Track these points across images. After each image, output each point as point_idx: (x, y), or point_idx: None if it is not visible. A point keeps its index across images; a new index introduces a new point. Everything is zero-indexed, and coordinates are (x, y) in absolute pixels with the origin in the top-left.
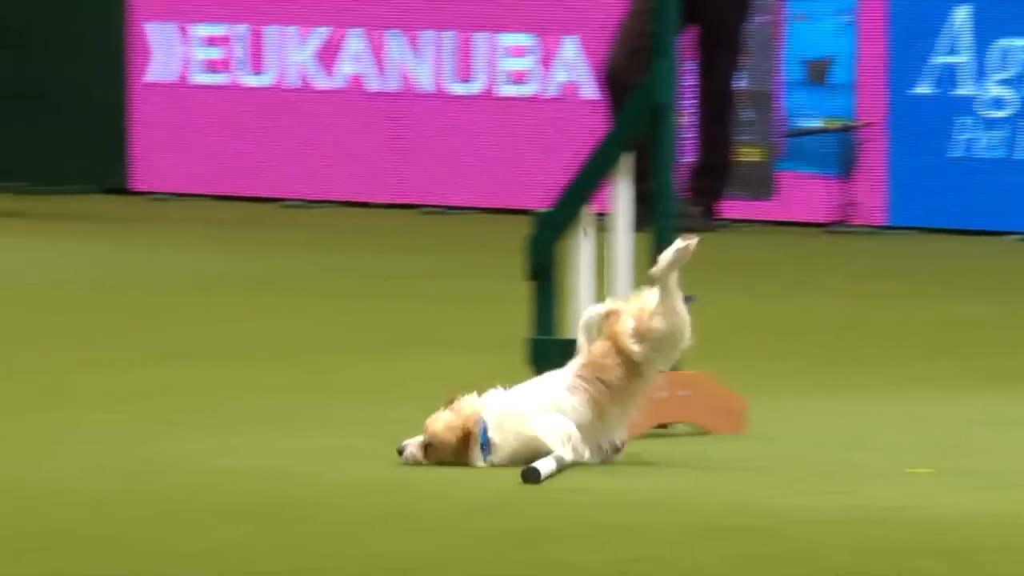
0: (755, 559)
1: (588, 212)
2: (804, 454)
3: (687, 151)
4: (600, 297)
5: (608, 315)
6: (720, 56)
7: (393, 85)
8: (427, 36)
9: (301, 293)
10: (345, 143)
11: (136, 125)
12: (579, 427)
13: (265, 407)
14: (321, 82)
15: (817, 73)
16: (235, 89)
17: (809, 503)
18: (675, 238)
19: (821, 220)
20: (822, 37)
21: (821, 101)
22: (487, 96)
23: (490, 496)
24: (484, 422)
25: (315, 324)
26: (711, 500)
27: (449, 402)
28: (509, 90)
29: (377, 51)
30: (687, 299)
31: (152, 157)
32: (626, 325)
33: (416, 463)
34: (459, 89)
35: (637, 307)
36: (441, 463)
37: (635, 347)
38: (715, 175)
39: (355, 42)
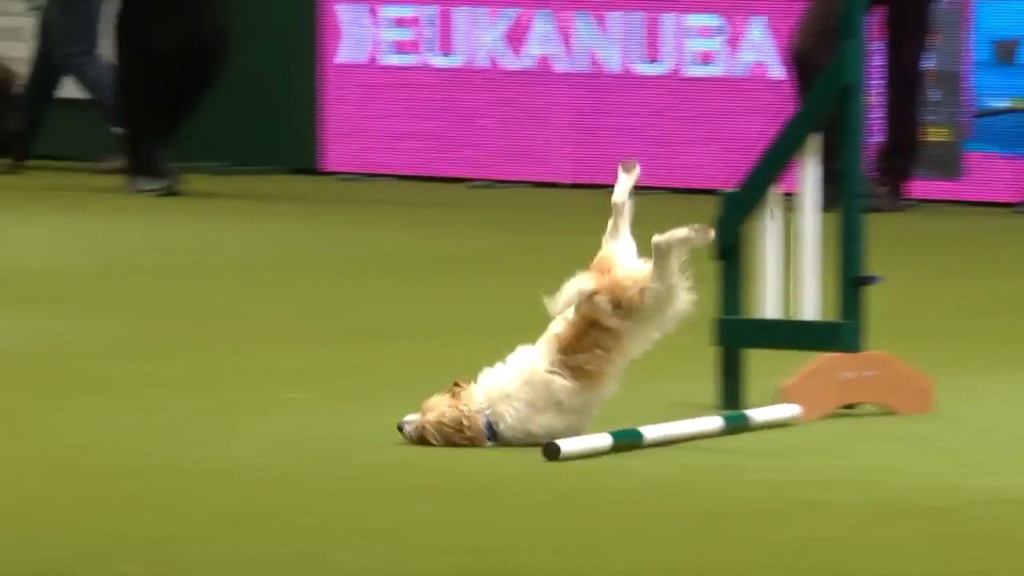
0: (942, 538)
1: (776, 192)
2: (991, 434)
3: (875, 131)
4: (786, 278)
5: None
6: (908, 36)
7: (581, 66)
8: (615, 17)
9: (488, 272)
10: (532, 124)
11: (326, 106)
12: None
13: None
14: (509, 63)
15: (1006, 53)
16: (424, 70)
17: (996, 483)
18: (863, 218)
19: (1009, 200)
20: (1011, 17)
21: (1009, 81)
22: (674, 76)
23: (676, 474)
24: (486, 414)
25: (502, 303)
26: (898, 479)
27: (452, 388)
28: (696, 71)
29: (565, 32)
30: (871, 279)
31: (342, 138)
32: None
33: (419, 442)
34: (646, 69)
35: (615, 279)
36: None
37: (614, 321)
38: (903, 155)
39: (543, 23)
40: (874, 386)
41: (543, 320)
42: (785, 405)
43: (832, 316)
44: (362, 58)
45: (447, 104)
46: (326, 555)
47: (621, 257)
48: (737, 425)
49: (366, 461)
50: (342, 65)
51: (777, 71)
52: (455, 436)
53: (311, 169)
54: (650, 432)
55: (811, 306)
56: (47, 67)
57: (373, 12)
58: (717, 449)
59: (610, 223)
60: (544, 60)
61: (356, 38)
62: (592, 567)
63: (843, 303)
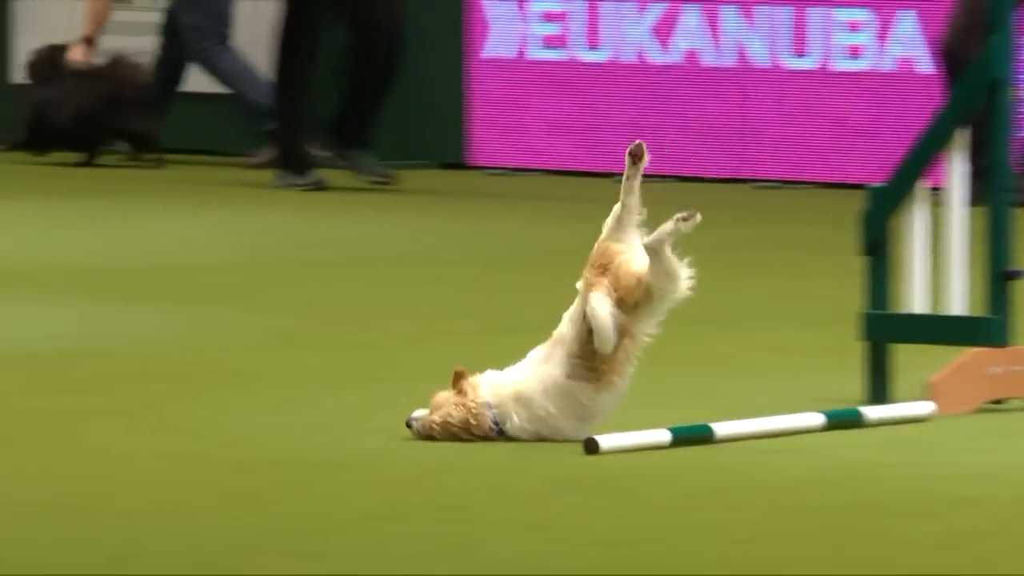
0: None
1: (923, 187)
2: None
3: (1022, 126)
4: (934, 273)
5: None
6: None
7: (728, 60)
8: (763, 11)
9: None
10: (679, 118)
11: (474, 101)
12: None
13: None
14: (657, 57)
15: None
16: (572, 64)
17: None
18: (1010, 213)
19: None
20: None
21: None
22: (822, 71)
23: (821, 469)
24: (493, 412)
25: None
26: None
27: (456, 380)
28: (844, 65)
29: (713, 26)
30: (1019, 274)
31: (489, 132)
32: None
33: (428, 438)
34: (794, 63)
35: (617, 277)
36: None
37: (621, 318)
38: None
39: (691, 17)
40: (1022, 381)
41: (690, 313)
42: (918, 403)
43: (980, 311)
44: (510, 53)
45: (594, 99)
46: (473, 548)
47: (626, 254)
48: (845, 422)
49: (511, 455)
50: (490, 60)
51: (926, 65)
52: (462, 435)
53: (459, 164)
54: (722, 428)
55: (959, 301)
56: (170, 62)
57: (521, 7)
58: (862, 445)
59: (613, 218)
60: (691, 54)
61: (504, 33)
62: (735, 561)
63: (991, 298)
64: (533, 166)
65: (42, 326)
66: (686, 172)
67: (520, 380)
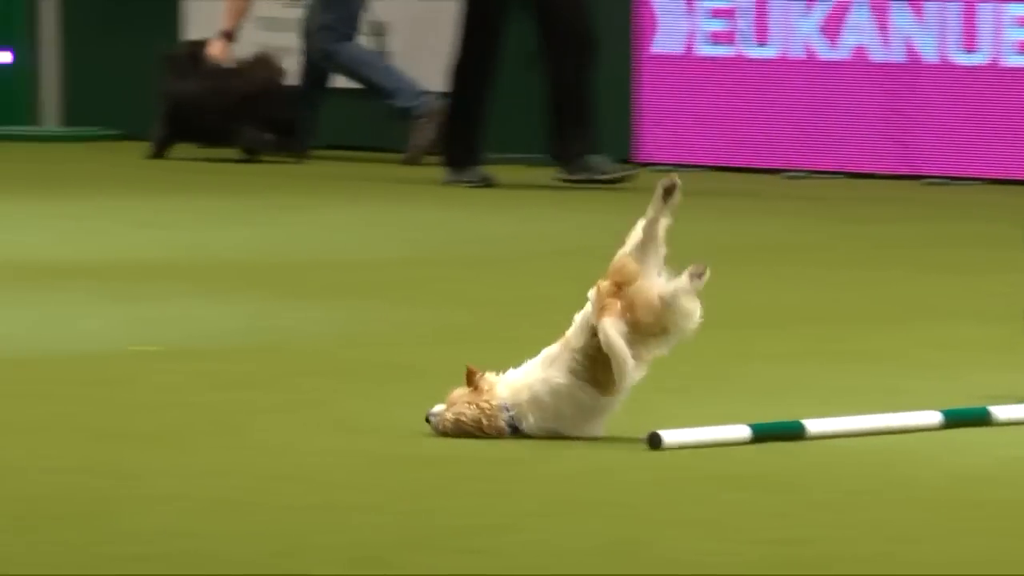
0: None
1: None
2: None
3: None
4: None
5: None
6: None
7: (897, 56)
8: (932, 7)
9: (805, 263)
10: (848, 114)
11: (642, 97)
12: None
13: (771, 375)
14: (825, 53)
15: None
16: (739, 61)
17: None
18: None
19: None
20: None
21: None
22: (992, 67)
23: (989, 465)
24: (510, 414)
25: (819, 293)
26: None
27: (470, 378)
28: (1015, 60)
29: (881, 21)
30: None
31: (657, 129)
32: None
33: (443, 434)
34: (964, 60)
35: (631, 303)
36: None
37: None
38: None
39: (860, 13)
40: None
41: (861, 310)
42: None
43: None
44: (678, 49)
45: (762, 95)
46: (643, 545)
47: (645, 281)
48: (966, 420)
49: (675, 453)
50: (658, 56)
51: None
52: (475, 432)
53: (625, 159)
54: (815, 426)
55: None
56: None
57: (689, 3)
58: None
59: (637, 238)
60: (860, 50)
61: (672, 29)
62: (901, 557)
63: None
64: (700, 162)
65: (209, 322)
66: (854, 168)
67: (533, 380)
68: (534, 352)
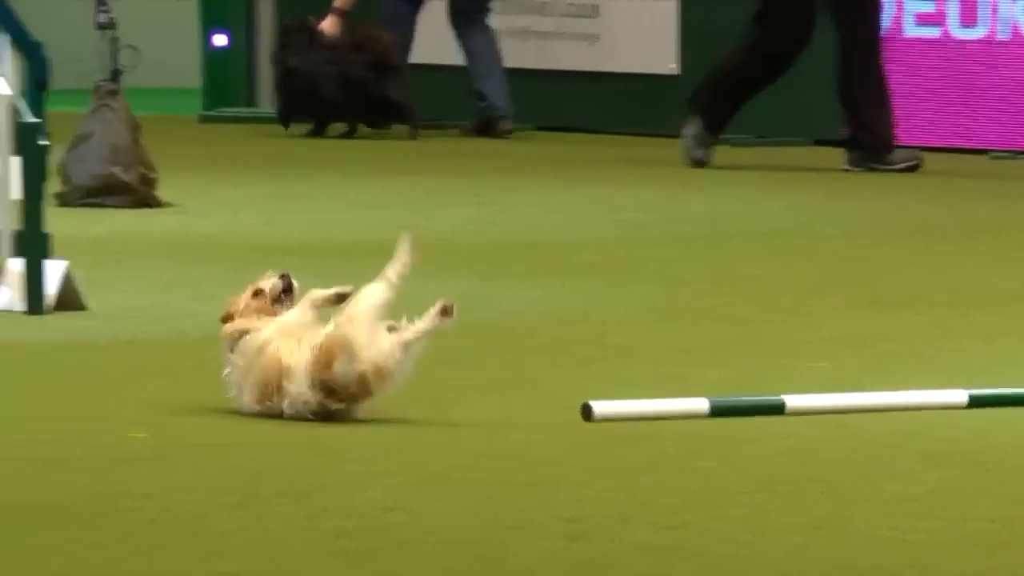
0: None
1: None
2: None
3: None
4: None
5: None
6: None
7: None
8: None
9: (1010, 244)
10: None
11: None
12: None
13: (977, 354)
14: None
15: None
16: (947, 42)
17: None
18: None
19: None
20: None
21: None
22: None
23: None
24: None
25: (1021, 272)
26: None
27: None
28: None
29: None
30: None
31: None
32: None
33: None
34: None
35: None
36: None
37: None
38: None
39: None
40: None
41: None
42: None
43: None
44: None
45: (968, 76)
46: (848, 521)
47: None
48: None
49: (879, 429)
50: None
51: None
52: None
53: (833, 140)
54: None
55: None
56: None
57: None
58: None
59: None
60: None
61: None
62: None
63: None
64: (907, 143)
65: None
66: None
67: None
68: (742, 330)
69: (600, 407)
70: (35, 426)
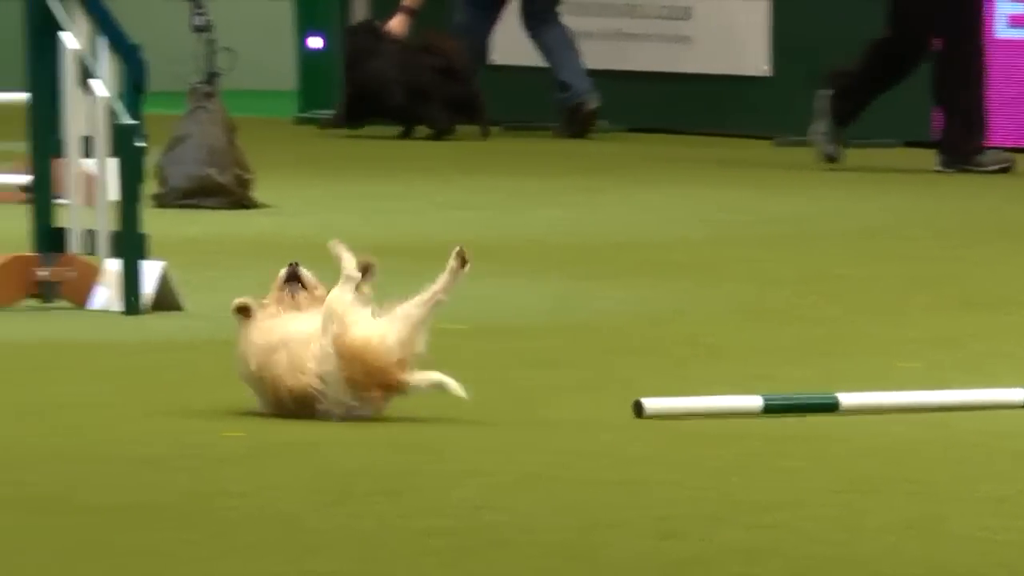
0: None
1: None
2: None
3: None
4: None
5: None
6: None
7: None
8: None
9: None
10: None
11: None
12: None
13: None
14: None
15: None
16: None
17: None
18: None
19: None
20: None
21: None
22: None
23: None
24: None
25: None
26: None
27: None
28: None
29: None
30: None
31: None
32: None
33: None
34: None
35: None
36: None
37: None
38: None
39: None
40: None
41: None
42: None
43: None
44: None
45: None
46: (941, 521)
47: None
48: None
49: (971, 428)
50: None
51: None
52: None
53: (924, 142)
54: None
55: None
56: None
57: None
58: None
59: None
60: None
61: None
62: None
63: None
64: (995, 143)
65: (515, 301)
66: None
67: None
68: (831, 330)
69: (651, 403)
70: (132, 425)
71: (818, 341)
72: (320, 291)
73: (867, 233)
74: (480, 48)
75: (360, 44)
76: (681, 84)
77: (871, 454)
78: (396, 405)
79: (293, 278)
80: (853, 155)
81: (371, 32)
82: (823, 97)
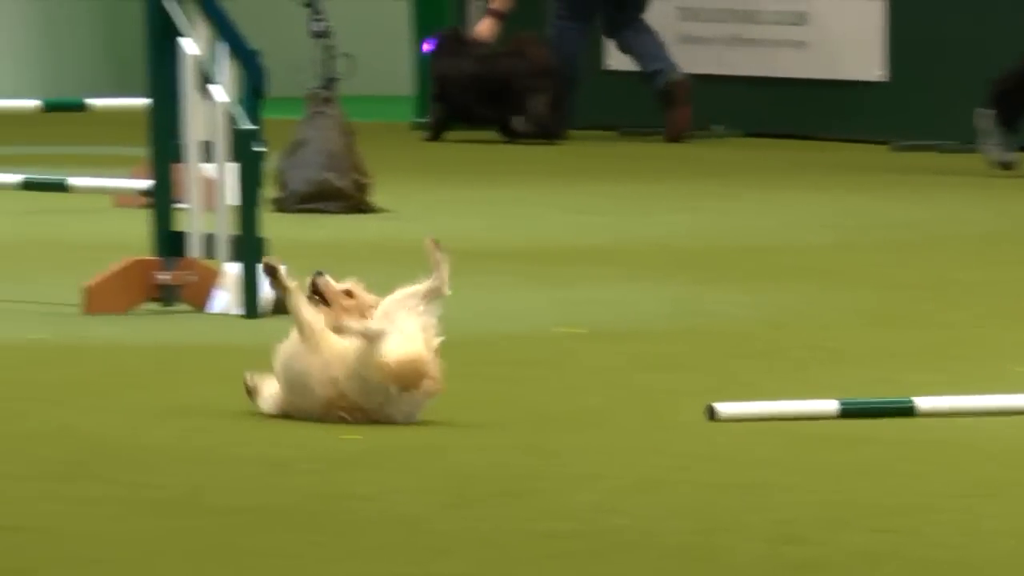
0: None
1: None
2: None
3: None
4: None
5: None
6: None
7: None
8: None
9: None
10: None
11: None
12: None
13: None
14: None
15: None
16: None
17: None
18: None
19: None
20: None
21: None
22: None
23: None
24: None
25: None
26: None
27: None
28: None
29: None
30: None
31: None
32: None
33: None
34: None
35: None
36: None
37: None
38: None
39: None
40: None
41: None
42: None
43: None
44: None
45: None
46: None
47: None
48: None
49: None
50: None
51: None
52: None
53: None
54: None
55: None
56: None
57: None
58: None
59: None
60: None
61: None
62: None
63: None
64: None
65: (635, 305)
66: None
67: None
68: (952, 335)
69: (724, 408)
70: (254, 428)
71: (940, 345)
72: (363, 298)
73: (989, 238)
74: (570, 61)
75: (445, 50)
76: (797, 89)
77: (991, 458)
78: (516, 409)
79: (315, 292)
80: (974, 160)
81: (456, 39)
82: (985, 116)
